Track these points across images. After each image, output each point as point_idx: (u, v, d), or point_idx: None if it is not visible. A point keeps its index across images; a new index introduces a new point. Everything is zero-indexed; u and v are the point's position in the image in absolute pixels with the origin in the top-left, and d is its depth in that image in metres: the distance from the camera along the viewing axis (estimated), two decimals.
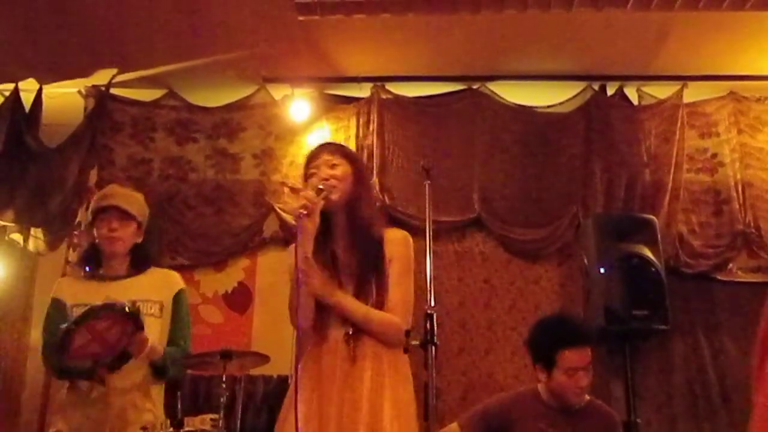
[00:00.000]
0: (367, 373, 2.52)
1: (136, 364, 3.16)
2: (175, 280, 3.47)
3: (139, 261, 3.40)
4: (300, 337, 2.52)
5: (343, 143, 2.91)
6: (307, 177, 2.71)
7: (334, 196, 2.61)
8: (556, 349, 3.34)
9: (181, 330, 3.39)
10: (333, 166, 2.67)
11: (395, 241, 2.70)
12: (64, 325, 2.98)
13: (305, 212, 2.49)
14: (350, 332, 2.55)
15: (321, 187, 2.58)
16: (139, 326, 3.05)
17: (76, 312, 3.18)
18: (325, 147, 2.81)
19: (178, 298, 3.41)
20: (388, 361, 2.56)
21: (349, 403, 2.47)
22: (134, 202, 3.42)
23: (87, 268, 3.40)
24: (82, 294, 3.26)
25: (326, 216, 2.59)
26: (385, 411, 2.47)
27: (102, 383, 3.08)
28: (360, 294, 2.59)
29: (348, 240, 2.66)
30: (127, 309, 3.03)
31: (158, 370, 3.27)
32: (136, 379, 3.21)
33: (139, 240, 3.41)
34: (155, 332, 3.26)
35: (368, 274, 2.60)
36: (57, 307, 3.29)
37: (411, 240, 2.75)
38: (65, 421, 3.16)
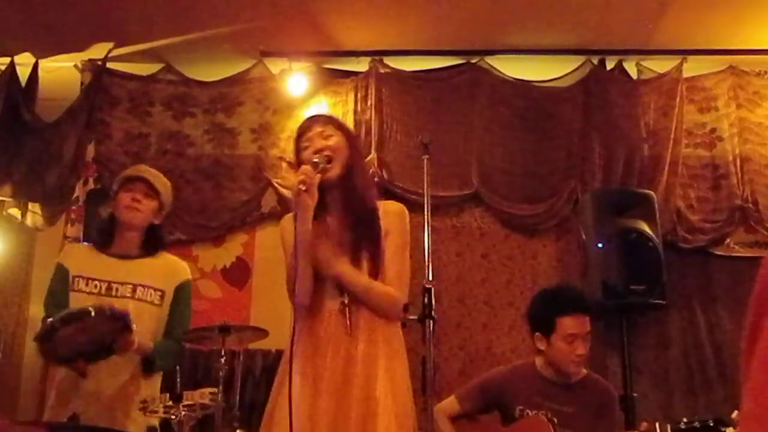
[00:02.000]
0: (361, 344, 2.53)
1: (127, 357, 3.13)
2: (181, 270, 3.43)
3: (152, 243, 3.37)
4: (296, 310, 2.53)
5: (332, 114, 2.90)
6: (299, 150, 2.70)
7: (332, 171, 2.59)
8: (556, 315, 3.37)
9: (178, 322, 3.34)
10: (327, 137, 2.65)
11: (391, 213, 2.69)
12: (50, 320, 2.96)
13: (304, 188, 2.47)
14: (345, 302, 2.56)
15: (317, 160, 2.56)
16: (128, 329, 3.00)
17: (77, 285, 3.19)
18: (316, 119, 2.79)
19: (181, 289, 3.37)
20: (382, 333, 2.57)
21: (343, 374, 2.48)
22: (163, 183, 3.42)
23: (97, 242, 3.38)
24: (88, 267, 3.25)
25: (321, 188, 2.57)
26: (379, 383, 2.49)
27: (83, 375, 3.04)
28: (353, 266, 2.58)
29: (342, 211, 2.65)
30: (116, 314, 2.99)
31: (147, 365, 3.23)
32: (125, 372, 3.19)
33: (157, 221, 3.39)
34: (151, 321, 3.24)
35: (362, 245, 2.60)
36: (61, 273, 3.27)
37: (407, 213, 2.74)
38: (59, 399, 3.16)
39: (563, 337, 3.36)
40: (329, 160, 2.59)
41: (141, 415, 3.12)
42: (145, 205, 3.31)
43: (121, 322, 2.98)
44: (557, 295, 3.59)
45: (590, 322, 3.43)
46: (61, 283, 3.24)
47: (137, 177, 3.35)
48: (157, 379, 3.36)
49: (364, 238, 2.60)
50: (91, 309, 2.94)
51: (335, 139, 2.66)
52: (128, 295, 3.22)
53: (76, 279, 3.22)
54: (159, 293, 3.29)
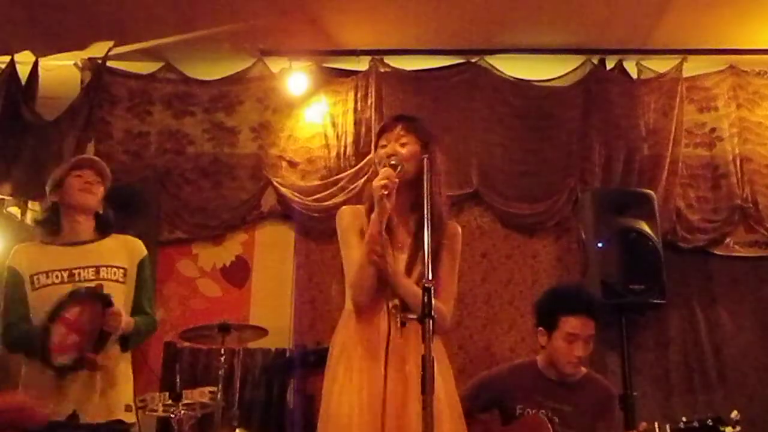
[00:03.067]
0: (413, 348, 2.51)
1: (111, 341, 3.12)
2: (138, 247, 3.41)
3: (103, 225, 3.34)
4: (355, 309, 2.60)
5: (415, 118, 2.88)
6: (377, 147, 2.76)
7: (404, 176, 2.62)
8: (560, 312, 3.37)
9: (146, 297, 3.35)
10: (403, 144, 2.68)
11: (453, 235, 2.75)
12: (39, 326, 2.94)
13: (386, 192, 2.51)
14: (398, 304, 2.57)
15: (394, 162, 2.60)
16: (108, 303, 3.01)
17: (38, 281, 3.14)
18: (400, 120, 2.80)
19: (142, 265, 3.36)
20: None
21: (400, 372, 2.49)
22: (105, 170, 3.37)
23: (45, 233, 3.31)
24: (45, 261, 3.19)
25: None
26: (437, 383, 2.48)
27: (94, 369, 3.03)
28: (408, 268, 2.63)
29: (406, 214, 2.69)
30: (91, 291, 3.00)
31: (123, 342, 3.19)
32: (109, 356, 3.15)
33: (101, 211, 3.35)
34: (119, 299, 3.19)
35: (421, 249, 2.53)
36: (14, 279, 3.18)
37: (461, 234, 2.80)
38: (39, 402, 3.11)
39: (564, 336, 3.36)
40: (403, 165, 2.62)
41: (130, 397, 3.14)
42: (96, 186, 3.29)
43: (99, 300, 2.99)
44: (566, 293, 3.59)
45: (596, 326, 3.42)
46: (16, 289, 3.17)
47: (85, 161, 3.34)
48: (129, 361, 3.31)
49: (429, 249, 2.57)
50: (66, 295, 2.95)
51: (409, 148, 2.67)
52: (92, 277, 3.17)
53: (35, 277, 3.16)
54: (122, 270, 3.27)
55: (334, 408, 2.53)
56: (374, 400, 2.45)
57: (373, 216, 2.55)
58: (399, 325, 2.54)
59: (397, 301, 2.57)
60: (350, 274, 2.64)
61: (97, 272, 3.20)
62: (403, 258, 2.64)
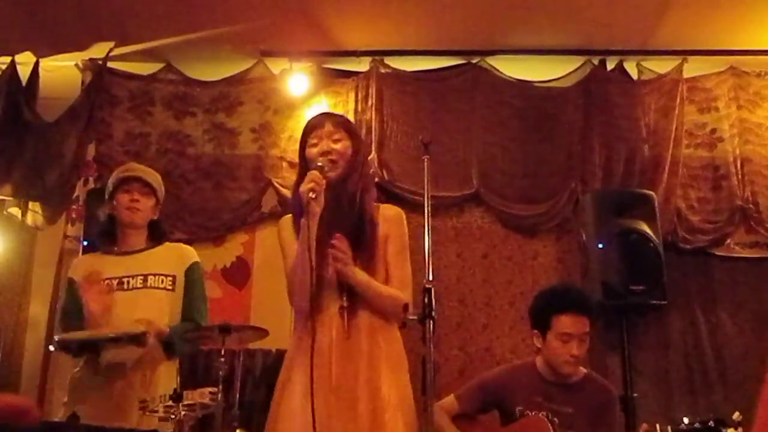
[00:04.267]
0: (363, 346, 2.54)
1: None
2: (188, 254, 3.49)
3: (155, 235, 3.45)
4: (297, 313, 2.57)
5: (344, 116, 2.93)
6: (305, 145, 2.73)
7: (332, 174, 2.62)
8: (553, 312, 3.37)
9: (195, 304, 3.43)
10: (336, 140, 2.68)
11: (390, 219, 2.74)
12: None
13: (314, 196, 2.49)
14: (344, 305, 2.58)
15: (321, 164, 2.60)
16: (142, 344, 3.12)
17: None
18: (329, 118, 2.80)
19: (191, 272, 3.43)
20: (382, 335, 2.61)
21: (346, 375, 2.50)
22: (156, 178, 3.49)
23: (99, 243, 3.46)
24: (96, 270, 3.27)
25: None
26: (383, 382, 2.51)
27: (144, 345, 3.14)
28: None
29: (337, 214, 2.66)
30: (132, 334, 3.10)
31: (167, 347, 3.28)
32: (145, 356, 3.22)
33: (156, 216, 3.46)
34: (166, 306, 3.30)
35: (357, 249, 2.62)
36: (71, 289, 3.32)
37: (404, 216, 2.79)
38: (82, 399, 3.16)
39: (558, 336, 3.35)
40: (334, 164, 2.63)
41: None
42: (143, 203, 3.38)
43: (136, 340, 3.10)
44: (557, 293, 3.59)
45: (591, 323, 3.42)
46: (73, 300, 3.28)
47: (133, 177, 3.41)
48: (174, 366, 3.40)
49: (359, 242, 2.63)
50: (138, 334, 3.09)
51: (343, 144, 2.68)
52: (139, 285, 3.28)
53: None
54: (170, 278, 3.35)
55: (283, 412, 2.54)
56: (320, 397, 2.45)
57: (302, 221, 2.53)
58: (348, 324, 2.56)
59: (345, 302, 2.59)
60: (288, 282, 2.66)
61: (145, 280, 3.30)
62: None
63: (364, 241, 2.63)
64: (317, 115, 2.84)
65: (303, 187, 2.52)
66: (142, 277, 3.29)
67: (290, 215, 2.77)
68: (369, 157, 5.27)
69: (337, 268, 2.57)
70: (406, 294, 2.66)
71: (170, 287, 3.34)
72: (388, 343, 2.60)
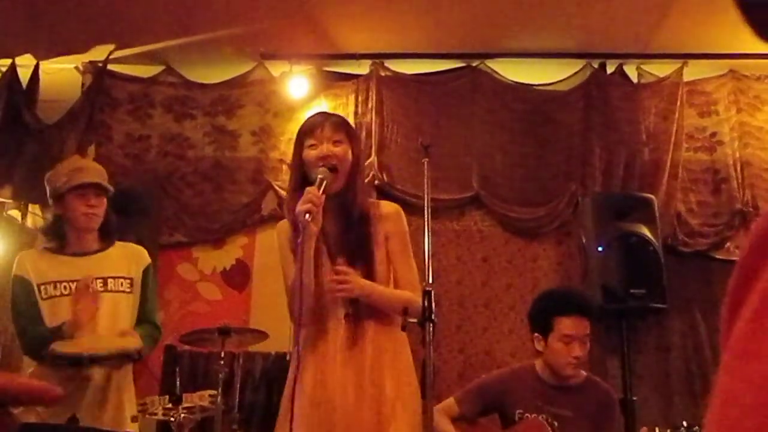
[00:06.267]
0: (368, 353, 2.52)
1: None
2: (143, 256, 3.42)
3: (106, 235, 3.34)
4: (296, 327, 2.51)
5: (344, 117, 2.86)
6: (302, 145, 2.61)
7: (336, 184, 2.55)
8: (554, 314, 3.37)
9: (151, 306, 3.37)
10: (336, 143, 2.57)
11: (389, 217, 2.68)
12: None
13: (310, 218, 2.39)
14: (349, 313, 2.56)
15: (322, 177, 2.48)
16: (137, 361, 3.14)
17: (45, 292, 3.15)
18: (328, 118, 2.68)
19: (147, 273, 3.37)
20: (389, 339, 2.57)
21: (352, 384, 2.48)
22: (105, 175, 3.35)
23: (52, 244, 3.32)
24: (50, 271, 3.20)
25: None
26: (388, 388, 2.49)
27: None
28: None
29: (339, 219, 2.63)
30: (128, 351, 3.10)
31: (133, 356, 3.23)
32: (122, 370, 3.21)
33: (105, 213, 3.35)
34: (127, 309, 3.24)
35: (358, 251, 2.60)
36: (23, 287, 3.18)
37: (403, 212, 2.74)
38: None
39: (560, 338, 3.35)
40: (334, 169, 2.53)
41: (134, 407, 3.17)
42: (100, 208, 3.27)
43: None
44: (557, 295, 3.59)
45: (591, 325, 3.42)
46: (27, 297, 3.16)
47: (87, 185, 3.25)
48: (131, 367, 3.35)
49: (360, 245, 2.60)
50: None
51: (344, 147, 2.58)
52: (100, 289, 3.18)
53: (43, 287, 3.16)
54: (128, 281, 3.28)
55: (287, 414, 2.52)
56: (325, 406, 2.45)
57: (300, 241, 2.44)
58: (353, 332, 2.54)
59: (350, 309, 2.56)
60: (287, 292, 2.59)
61: (105, 284, 3.22)
62: (342, 259, 2.59)
63: (366, 244, 2.60)
64: (315, 115, 2.74)
65: (299, 207, 2.40)
66: (102, 281, 3.20)
67: (286, 221, 2.69)
68: (368, 161, 5.29)
69: (342, 296, 2.54)
70: (416, 292, 2.58)
71: (129, 290, 3.27)
72: (395, 349, 2.58)
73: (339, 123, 2.68)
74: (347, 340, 2.53)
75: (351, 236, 2.60)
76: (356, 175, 2.65)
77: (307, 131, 2.62)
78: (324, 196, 2.46)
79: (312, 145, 2.58)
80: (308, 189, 2.46)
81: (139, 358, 3.26)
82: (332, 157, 2.55)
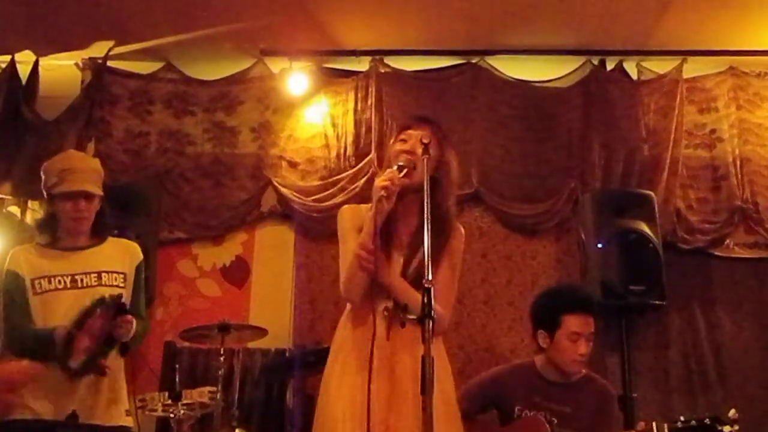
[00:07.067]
0: (405, 352, 2.53)
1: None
2: (136, 252, 3.40)
3: (100, 230, 3.32)
4: (352, 310, 2.60)
5: (440, 124, 2.89)
6: (395, 140, 2.74)
7: (415, 177, 2.58)
8: (562, 312, 3.38)
9: (141, 302, 3.36)
10: (424, 145, 2.60)
11: (457, 235, 2.74)
12: (66, 330, 2.92)
13: (386, 195, 2.48)
14: (389, 306, 2.57)
15: (402, 164, 2.57)
16: (123, 311, 3.00)
17: (40, 286, 3.13)
18: (428, 123, 2.78)
19: (140, 270, 3.35)
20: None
21: (383, 383, 2.48)
22: (97, 177, 3.30)
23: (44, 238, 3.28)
24: (44, 266, 3.18)
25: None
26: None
27: (104, 374, 3.03)
28: (405, 266, 2.62)
29: (413, 216, 2.65)
30: (116, 300, 3.00)
31: (123, 348, 3.17)
32: (114, 362, 3.17)
33: (98, 208, 3.30)
34: None
35: (421, 249, 2.52)
36: (16, 283, 3.15)
37: (464, 236, 2.79)
38: (40, 401, 3.03)
39: (568, 335, 3.36)
40: (414, 166, 2.59)
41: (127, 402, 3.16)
42: (90, 210, 3.24)
43: (117, 308, 2.98)
44: (565, 292, 3.61)
45: (595, 323, 3.43)
46: (18, 293, 3.14)
47: (76, 193, 3.19)
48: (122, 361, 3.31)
49: (433, 243, 2.45)
50: (93, 303, 2.94)
51: (430, 150, 2.59)
52: (95, 283, 3.17)
53: (36, 281, 3.14)
54: (122, 276, 3.26)
55: (328, 408, 2.54)
56: (358, 407, 2.44)
57: (368, 215, 2.53)
58: (389, 327, 2.54)
59: (390, 304, 2.57)
60: (342, 273, 2.64)
61: (99, 278, 3.20)
62: (400, 259, 2.63)
63: (436, 245, 2.53)
64: (418, 117, 2.85)
65: (378, 183, 2.52)
66: (96, 275, 3.19)
67: (350, 206, 2.81)
68: (368, 157, 5.30)
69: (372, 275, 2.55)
70: (447, 309, 2.63)
71: (122, 285, 3.25)
72: (436, 349, 2.55)
73: (434, 129, 2.77)
74: (379, 336, 2.52)
75: (421, 236, 2.47)
76: (442, 174, 2.70)
77: (404, 126, 2.77)
78: (403, 181, 2.54)
79: (403, 140, 2.70)
80: (390, 169, 2.57)
81: (123, 351, 3.18)
82: (415, 153, 2.61)
